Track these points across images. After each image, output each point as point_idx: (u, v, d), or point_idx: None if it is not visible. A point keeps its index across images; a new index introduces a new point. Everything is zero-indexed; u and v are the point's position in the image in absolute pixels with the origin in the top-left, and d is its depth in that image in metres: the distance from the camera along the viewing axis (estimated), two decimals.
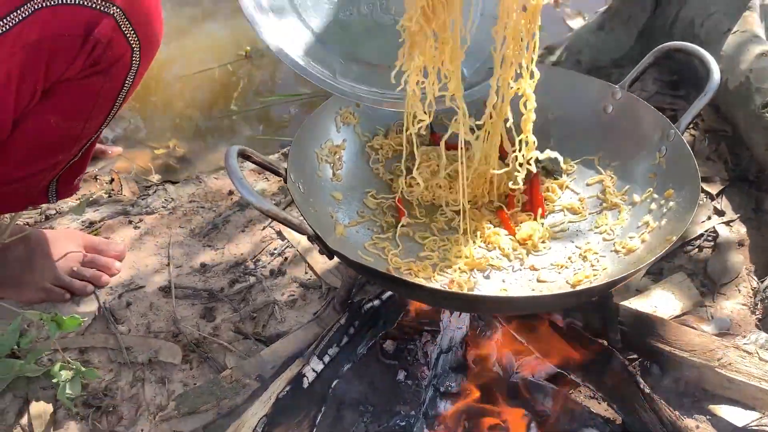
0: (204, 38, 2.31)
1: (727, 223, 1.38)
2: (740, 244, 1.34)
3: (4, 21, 0.87)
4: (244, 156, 0.93)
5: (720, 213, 1.40)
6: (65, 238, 1.29)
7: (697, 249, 1.34)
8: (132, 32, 0.95)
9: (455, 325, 1.04)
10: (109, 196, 1.54)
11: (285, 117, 2.01)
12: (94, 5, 0.90)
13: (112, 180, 1.64)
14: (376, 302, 1.06)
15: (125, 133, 1.90)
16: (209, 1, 2.44)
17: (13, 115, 0.95)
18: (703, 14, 1.68)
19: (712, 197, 1.43)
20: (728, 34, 1.63)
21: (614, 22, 1.77)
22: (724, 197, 1.44)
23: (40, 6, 0.87)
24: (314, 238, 0.89)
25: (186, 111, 2.02)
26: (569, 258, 1.01)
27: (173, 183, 1.59)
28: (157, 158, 1.82)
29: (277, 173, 0.99)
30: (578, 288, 0.89)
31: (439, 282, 0.97)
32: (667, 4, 1.70)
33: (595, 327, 1.03)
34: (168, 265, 1.31)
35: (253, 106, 2.00)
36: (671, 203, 0.98)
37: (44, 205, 1.43)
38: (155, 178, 1.71)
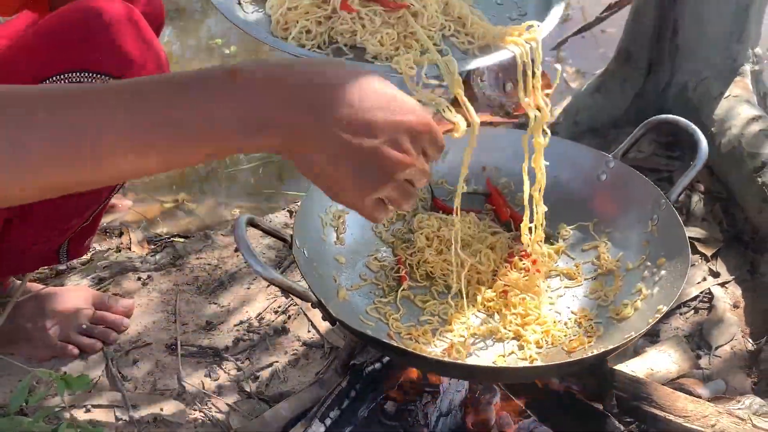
0: None
1: (723, 285, 1.41)
2: (735, 306, 1.36)
3: None
4: (252, 224, 0.97)
5: (715, 274, 1.43)
6: (75, 295, 1.32)
7: (693, 311, 1.36)
8: None
9: (454, 388, 1.07)
10: (118, 251, 1.58)
11: (292, 170, 2.06)
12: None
13: (122, 233, 1.69)
14: (378, 365, 1.09)
15: (134, 186, 1.95)
16: (216, 57, 2.53)
17: None
18: (696, 79, 1.74)
19: (707, 258, 1.46)
20: (720, 99, 1.69)
21: (611, 84, 1.83)
22: (719, 258, 1.47)
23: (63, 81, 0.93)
24: (318, 305, 0.92)
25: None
26: (565, 324, 1.03)
27: (181, 237, 1.63)
28: (166, 212, 1.87)
29: (283, 239, 1.04)
30: (572, 358, 0.92)
31: (438, 347, 1.00)
32: (660, 69, 1.76)
33: (591, 391, 1.06)
34: (175, 322, 1.34)
35: (260, 160, 2.05)
36: (663, 272, 1.01)
37: None
38: (163, 231, 1.76)
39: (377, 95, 0.62)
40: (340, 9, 0.90)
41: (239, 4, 0.95)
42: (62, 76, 0.94)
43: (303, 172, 0.63)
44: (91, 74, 0.95)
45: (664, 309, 0.92)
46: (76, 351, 1.26)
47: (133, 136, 0.56)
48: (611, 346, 0.87)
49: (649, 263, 1.05)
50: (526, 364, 0.95)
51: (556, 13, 0.95)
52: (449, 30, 0.94)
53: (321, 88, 0.60)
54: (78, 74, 0.94)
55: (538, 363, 0.95)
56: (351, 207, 0.66)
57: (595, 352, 0.90)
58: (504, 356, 0.99)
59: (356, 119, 0.60)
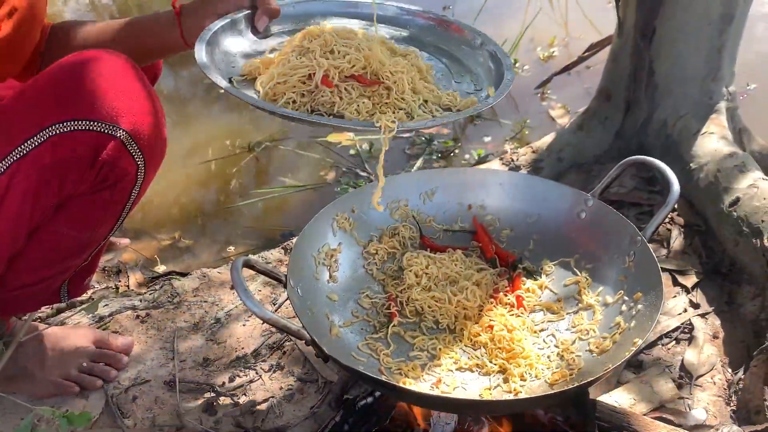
0: (208, 131, 2.45)
1: (702, 316, 1.46)
2: (715, 336, 1.41)
3: (23, 147, 0.98)
4: (248, 266, 1.02)
5: (695, 306, 1.48)
6: (75, 334, 1.36)
7: (674, 341, 1.41)
8: (137, 151, 1.05)
9: (444, 420, 1.11)
10: (117, 289, 1.63)
11: (286, 207, 2.12)
12: (101, 129, 1.00)
13: (120, 272, 1.73)
14: (370, 399, 1.13)
15: (132, 225, 2.00)
16: (213, 96, 2.60)
17: (28, 229, 1.05)
18: (675, 116, 1.81)
19: (687, 290, 1.52)
20: (698, 135, 1.76)
21: (592, 123, 1.90)
22: (698, 290, 1.52)
23: (54, 133, 0.98)
24: (311, 344, 0.97)
25: (191, 202, 2.13)
26: (548, 357, 1.08)
27: (179, 275, 1.67)
28: (163, 249, 1.92)
29: (278, 279, 1.08)
30: (553, 391, 0.97)
31: (427, 381, 1.04)
32: (637, 107, 1.83)
33: (574, 422, 1.10)
34: (173, 359, 1.38)
35: (256, 197, 2.11)
36: (639, 306, 1.06)
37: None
38: (161, 269, 1.81)
39: None
40: (321, 84, 1.02)
41: (230, 82, 1.07)
42: (62, 125, 0.99)
43: None
44: (89, 122, 1.00)
45: (639, 342, 0.97)
46: (76, 389, 1.30)
47: None
48: (590, 379, 0.92)
49: (626, 298, 1.10)
50: (510, 396, 1.00)
51: (508, 82, 1.08)
52: (418, 101, 1.06)
53: None
54: (76, 122, 1.00)
55: (522, 395, 0.99)
56: None
57: (575, 384, 0.95)
58: (490, 389, 1.03)
59: None
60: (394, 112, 1.02)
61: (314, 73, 1.02)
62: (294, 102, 1.02)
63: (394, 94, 1.04)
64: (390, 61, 1.06)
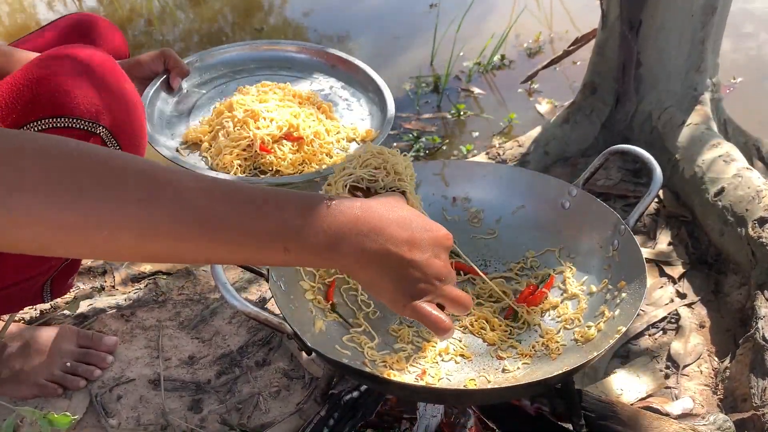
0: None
1: (689, 306, 1.46)
2: (701, 325, 1.41)
3: None
4: None
5: (682, 296, 1.48)
6: (59, 334, 1.35)
7: (661, 331, 1.41)
8: (117, 147, 1.04)
9: (430, 413, 1.10)
10: (102, 289, 1.61)
11: None
12: (82, 126, 0.99)
13: (105, 272, 1.71)
14: (356, 393, 1.12)
15: None
16: None
17: None
18: (660, 108, 1.82)
19: (674, 281, 1.52)
20: (683, 127, 1.76)
21: (578, 115, 1.90)
22: (685, 280, 1.52)
23: (34, 131, 0.97)
24: (293, 336, 0.96)
25: None
26: (533, 347, 1.08)
27: (164, 274, 1.66)
28: None
29: (260, 274, 1.07)
30: (537, 379, 0.96)
31: (412, 373, 1.04)
32: (626, 99, 1.83)
33: (560, 412, 1.09)
34: (158, 357, 1.37)
35: None
36: (623, 294, 1.06)
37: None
38: (146, 269, 1.79)
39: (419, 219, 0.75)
40: (260, 150, 1.33)
41: (177, 151, 1.38)
42: (40, 122, 0.98)
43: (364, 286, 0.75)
44: (69, 119, 0.99)
45: (623, 329, 0.96)
46: (60, 390, 1.28)
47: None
48: (572, 367, 0.91)
49: (611, 286, 1.10)
50: (494, 385, 0.99)
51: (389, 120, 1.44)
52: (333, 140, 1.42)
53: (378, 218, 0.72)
54: (56, 119, 0.99)
55: (506, 384, 0.99)
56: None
57: (558, 372, 0.94)
58: (474, 380, 1.02)
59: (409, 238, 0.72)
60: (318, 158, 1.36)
61: (253, 143, 1.32)
62: (241, 166, 1.33)
63: (316, 143, 1.37)
64: (303, 115, 1.38)
